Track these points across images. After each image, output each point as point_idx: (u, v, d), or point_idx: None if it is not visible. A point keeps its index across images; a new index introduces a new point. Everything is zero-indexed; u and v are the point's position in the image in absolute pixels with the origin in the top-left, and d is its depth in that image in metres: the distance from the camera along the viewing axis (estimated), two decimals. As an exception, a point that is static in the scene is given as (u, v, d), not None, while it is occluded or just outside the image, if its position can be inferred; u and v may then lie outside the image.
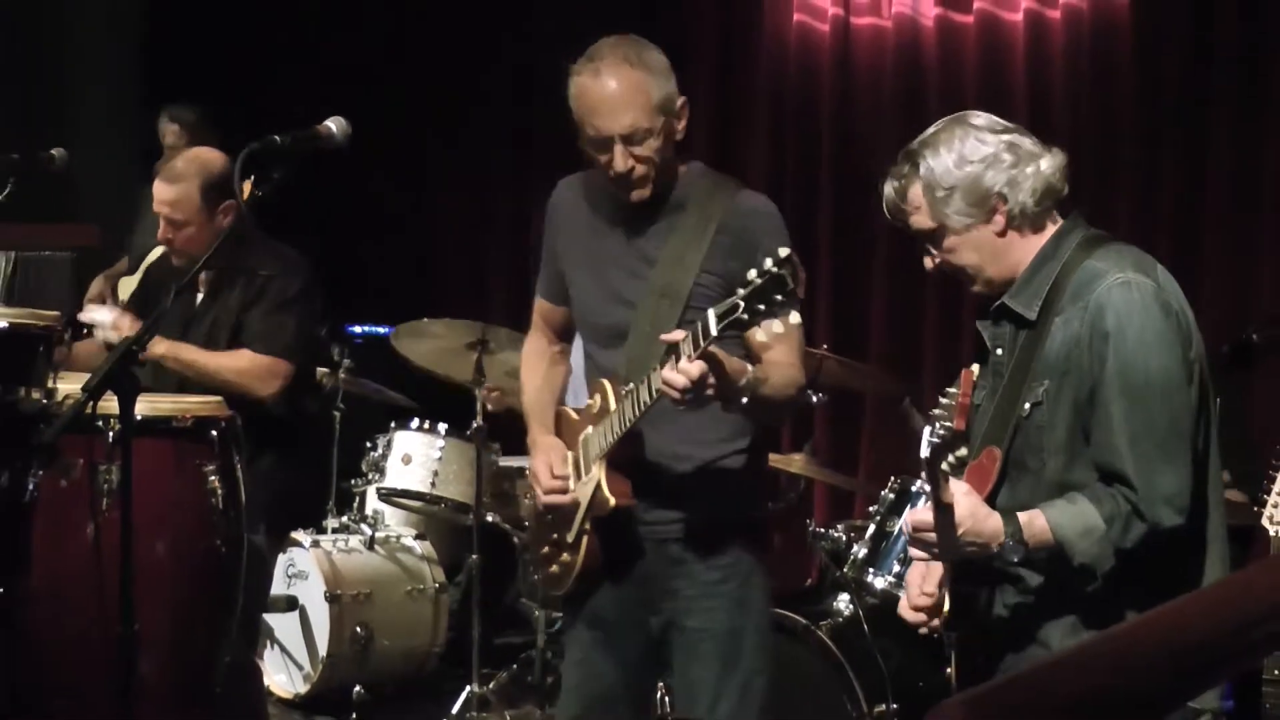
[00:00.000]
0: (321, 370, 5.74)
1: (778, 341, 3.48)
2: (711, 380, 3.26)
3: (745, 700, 3.68)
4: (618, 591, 3.75)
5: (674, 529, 3.66)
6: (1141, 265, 3.12)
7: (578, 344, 4.01)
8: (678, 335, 3.28)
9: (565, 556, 3.75)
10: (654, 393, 3.38)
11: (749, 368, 3.40)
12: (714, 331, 3.18)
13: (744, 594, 3.69)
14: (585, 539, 3.67)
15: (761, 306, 3.15)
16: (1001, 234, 3.16)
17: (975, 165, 3.12)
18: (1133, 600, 2.99)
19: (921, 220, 3.18)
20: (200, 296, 4.86)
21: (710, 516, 3.66)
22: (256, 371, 4.74)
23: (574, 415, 3.79)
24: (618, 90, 3.54)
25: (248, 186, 5.08)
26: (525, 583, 6.49)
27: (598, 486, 3.61)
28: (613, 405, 3.60)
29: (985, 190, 3.12)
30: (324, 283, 4.96)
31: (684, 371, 3.22)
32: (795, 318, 3.21)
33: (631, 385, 3.50)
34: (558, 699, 5.82)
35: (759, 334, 3.22)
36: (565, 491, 3.69)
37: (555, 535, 3.78)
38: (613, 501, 3.58)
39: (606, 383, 3.65)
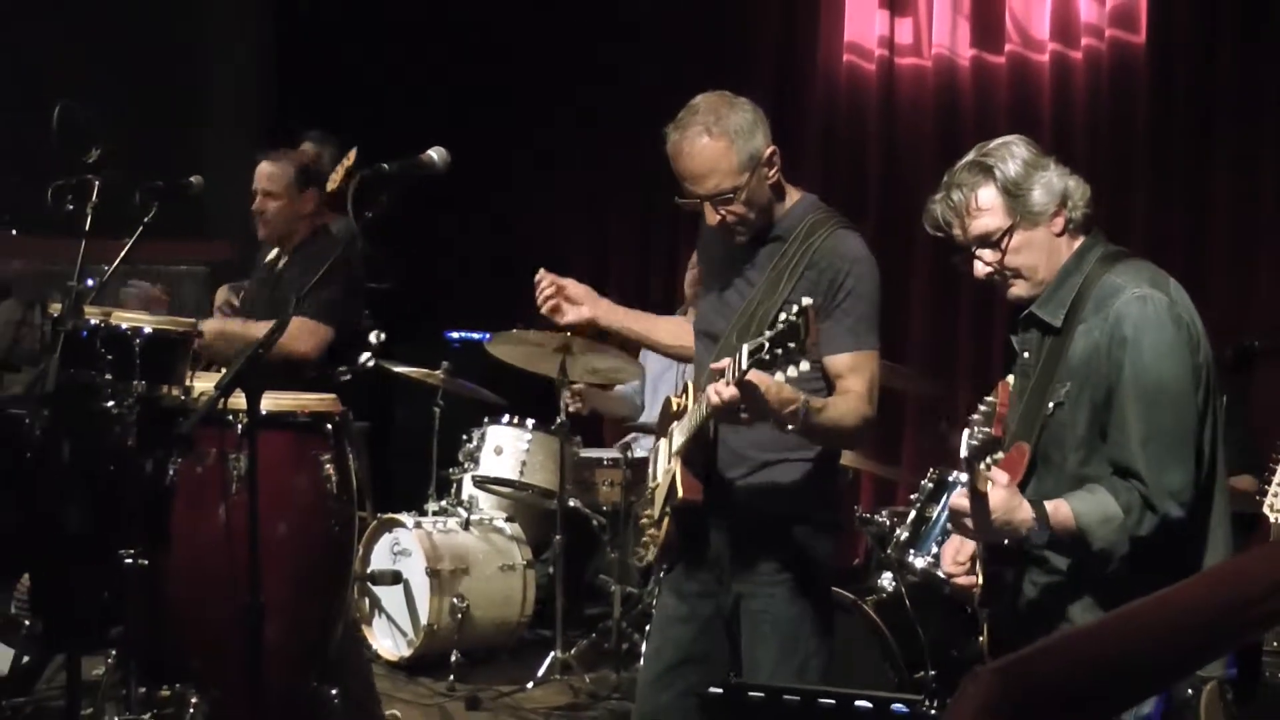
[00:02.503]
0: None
1: (851, 372, 3.51)
2: (743, 406, 3.23)
3: (801, 681, 3.63)
4: (695, 570, 3.77)
5: (740, 521, 3.66)
6: (1156, 281, 3.11)
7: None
8: (724, 363, 3.27)
9: (653, 531, 3.80)
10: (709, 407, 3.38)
11: (801, 397, 3.31)
12: (744, 364, 3.16)
13: (804, 584, 3.65)
14: (666, 520, 3.71)
15: (779, 351, 3.09)
16: (1060, 234, 3.17)
17: (1044, 171, 3.15)
18: (1142, 582, 2.96)
19: (990, 221, 3.16)
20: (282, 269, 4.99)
21: (773, 513, 3.64)
22: (297, 331, 4.76)
23: (674, 406, 3.82)
24: (699, 160, 3.51)
25: (340, 170, 5.18)
26: (604, 560, 6.51)
27: (673, 479, 3.63)
28: (690, 407, 3.63)
29: (1059, 189, 3.15)
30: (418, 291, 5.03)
31: (718, 393, 3.22)
32: (805, 366, 3.11)
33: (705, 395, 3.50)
34: (631, 664, 5.90)
35: (779, 376, 3.15)
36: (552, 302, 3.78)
37: (648, 513, 3.83)
38: (681, 494, 3.60)
39: (691, 385, 3.69)
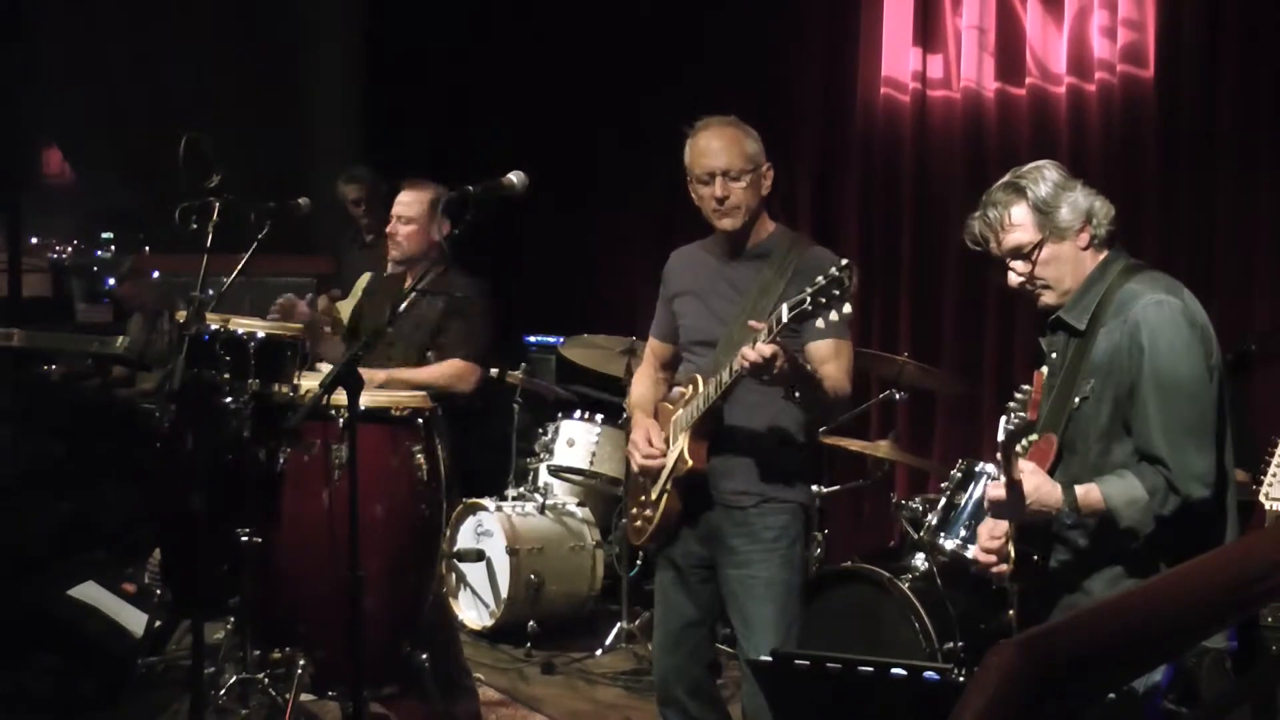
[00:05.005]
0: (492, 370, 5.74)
1: (832, 357, 3.72)
2: (780, 362, 3.40)
3: (787, 642, 3.77)
4: (690, 544, 3.88)
5: (741, 499, 3.79)
6: (1171, 288, 3.12)
7: None
8: (760, 325, 3.44)
9: (648, 513, 3.87)
10: (733, 373, 3.52)
11: (810, 367, 3.62)
12: (785, 319, 3.34)
13: (792, 554, 3.81)
14: (665, 498, 3.79)
15: (824, 300, 3.26)
16: (1085, 248, 3.17)
17: (1071, 191, 3.18)
18: (1166, 556, 2.96)
19: (1021, 236, 3.17)
20: (405, 304, 4.97)
21: (768, 493, 3.80)
22: (461, 373, 4.85)
23: (669, 406, 3.93)
24: (722, 139, 3.81)
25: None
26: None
27: (681, 451, 3.74)
28: (700, 389, 3.74)
29: (1085, 208, 3.16)
30: (501, 300, 5.05)
31: (759, 351, 3.38)
32: (848, 309, 3.28)
33: (717, 375, 3.66)
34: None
35: (819, 323, 3.32)
36: (659, 458, 3.83)
37: (643, 496, 3.90)
38: (690, 463, 3.72)
39: (698, 376, 3.80)
